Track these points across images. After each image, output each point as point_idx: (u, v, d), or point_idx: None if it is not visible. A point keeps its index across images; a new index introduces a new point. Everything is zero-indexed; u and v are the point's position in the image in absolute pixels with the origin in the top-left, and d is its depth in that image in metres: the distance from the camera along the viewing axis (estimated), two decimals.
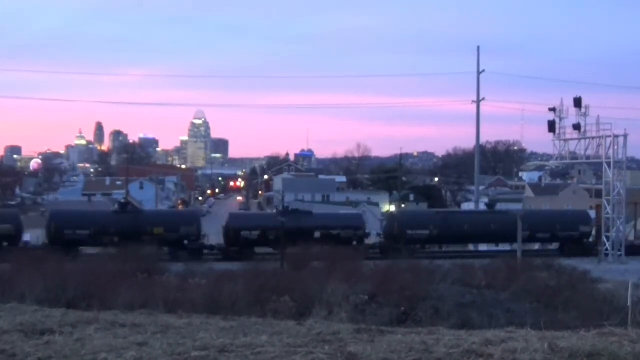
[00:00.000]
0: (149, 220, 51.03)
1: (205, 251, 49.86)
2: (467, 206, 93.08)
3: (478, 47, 69.69)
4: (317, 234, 49.57)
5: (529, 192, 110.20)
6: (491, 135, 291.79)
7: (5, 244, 46.04)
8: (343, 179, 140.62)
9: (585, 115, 52.36)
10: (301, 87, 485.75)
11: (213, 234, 54.76)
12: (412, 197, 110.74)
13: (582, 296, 26.44)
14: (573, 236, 53.52)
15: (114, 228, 48.45)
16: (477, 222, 53.61)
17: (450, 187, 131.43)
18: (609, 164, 51.08)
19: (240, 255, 46.30)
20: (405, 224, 52.38)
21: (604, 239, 50.76)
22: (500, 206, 67.88)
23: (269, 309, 20.58)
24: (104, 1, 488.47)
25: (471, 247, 59.50)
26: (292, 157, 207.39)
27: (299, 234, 46.35)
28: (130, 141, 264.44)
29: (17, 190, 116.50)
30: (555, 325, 13.47)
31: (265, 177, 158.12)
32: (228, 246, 50.10)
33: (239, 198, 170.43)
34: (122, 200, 62.82)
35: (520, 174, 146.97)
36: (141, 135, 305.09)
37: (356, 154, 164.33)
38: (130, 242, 44.56)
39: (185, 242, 49.35)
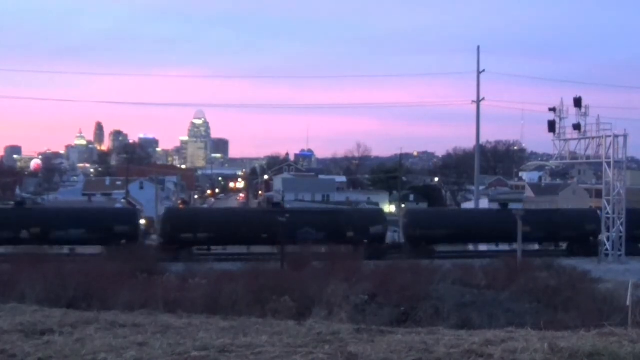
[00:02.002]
0: (304, 219, 51.25)
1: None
2: (467, 206, 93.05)
3: (478, 47, 69.80)
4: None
5: (529, 192, 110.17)
6: (491, 135, 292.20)
7: (123, 241, 45.14)
8: (343, 179, 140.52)
9: (585, 115, 52.36)
10: (301, 86, 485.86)
11: None
12: (412, 197, 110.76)
13: (582, 296, 26.42)
14: None
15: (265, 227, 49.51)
16: None
17: (450, 187, 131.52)
18: (609, 164, 51.05)
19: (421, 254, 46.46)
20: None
21: (604, 238, 50.76)
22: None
23: (269, 309, 20.57)
24: (102, 1, 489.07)
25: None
26: (292, 157, 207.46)
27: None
28: (130, 141, 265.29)
29: (17, 190, 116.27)
30: (555, 325, 13.45)
31: (265, 177, 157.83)
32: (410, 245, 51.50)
33: (241, 195, 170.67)
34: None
35: (520, 174, 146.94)
36: (141, 135, 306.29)
37: (356, 154, 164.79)
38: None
39: None
